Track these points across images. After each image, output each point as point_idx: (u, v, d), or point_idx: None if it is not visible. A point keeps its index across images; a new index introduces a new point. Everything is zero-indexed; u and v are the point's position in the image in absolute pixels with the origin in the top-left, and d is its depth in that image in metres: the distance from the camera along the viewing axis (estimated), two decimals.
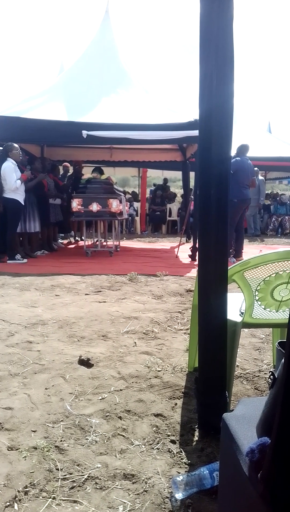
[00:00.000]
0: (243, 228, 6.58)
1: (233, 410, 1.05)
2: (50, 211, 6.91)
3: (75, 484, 1.30)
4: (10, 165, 5.59)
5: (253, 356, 2.41)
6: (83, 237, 7.53)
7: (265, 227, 11.64)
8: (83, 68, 7.83)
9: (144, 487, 1.29)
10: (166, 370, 2.16)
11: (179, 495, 1.24)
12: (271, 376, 0.79)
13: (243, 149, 6.14)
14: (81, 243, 8.38)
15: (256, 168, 6.86)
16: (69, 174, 8.58)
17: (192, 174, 9.09)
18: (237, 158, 5.98)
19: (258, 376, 2.13)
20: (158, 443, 1.53)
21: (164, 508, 1.21)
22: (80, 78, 7.57)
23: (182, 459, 1.45)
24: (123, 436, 1.58)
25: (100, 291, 4.01)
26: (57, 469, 1.37)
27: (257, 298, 1.72)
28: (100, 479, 1.33)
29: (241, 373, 2.15)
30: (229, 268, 1.59)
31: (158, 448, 1.51)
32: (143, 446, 1.52)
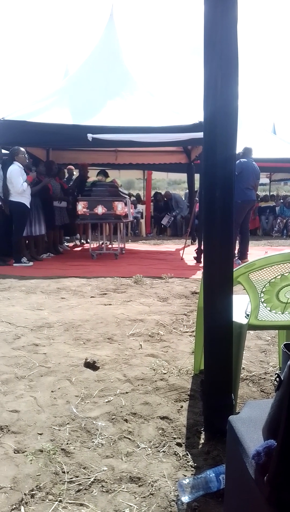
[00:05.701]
0: (248, 229, 6.56)
1: (239, 412, 1.04)
2: (56, 214, 6.95)
3: (81, 487, 1.30)
4: (16, 168, 5.64)
5: (259, 358, 2.40)
6: (88, 240, 7.55)
7: (271, 228, 11.61)
8: (88, 72, 7.87)
9: (150, 490, 1.29)
10: (172, 373, 2.15)
11: (185, 498, 1.23)
12: (277, 378, 0.78)
13: (247, 151, 6.14)
14: (86, 245, 8.40)
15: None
16: (74, 176, 8.63)
17: (197, 176, 9.09)
18: (241, 160, 5.97)
19: (264, 378, 2.12)
20: (164, 446, 1.53)
21: (171, 511, 1.20)
22: (85, 82, 7.61)
23: (188, 462, 1.44)
24: (129, 439, 1.58)
25: (106, 294, 4.02)
26: (64, 472, 1.37)
27: (262, 300, 1.71)
28: (106, 482, 1.33)
29: (247, 376, 2.14)
30: (234, 270, 1.59)
31: (164, 451, 1.50)
32: (149, 449, 1.51)
